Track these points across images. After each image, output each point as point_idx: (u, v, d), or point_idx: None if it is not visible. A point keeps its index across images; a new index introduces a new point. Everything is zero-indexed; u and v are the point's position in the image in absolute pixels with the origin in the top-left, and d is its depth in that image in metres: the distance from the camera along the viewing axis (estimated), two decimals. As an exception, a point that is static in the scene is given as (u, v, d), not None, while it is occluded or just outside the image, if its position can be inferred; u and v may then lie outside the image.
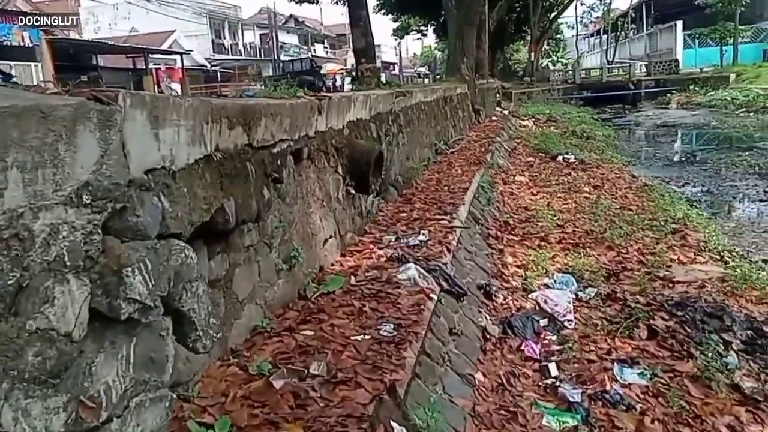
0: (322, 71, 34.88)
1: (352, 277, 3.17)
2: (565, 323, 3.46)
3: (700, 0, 32.87)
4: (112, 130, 1.64)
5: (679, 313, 3.60)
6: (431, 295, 3.04)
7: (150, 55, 27.62)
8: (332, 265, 3.42)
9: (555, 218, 6.14)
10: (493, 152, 9.19)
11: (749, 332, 3.38)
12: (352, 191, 4.05)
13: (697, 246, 5.60)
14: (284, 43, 41.67)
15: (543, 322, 3.46)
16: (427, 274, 3.19)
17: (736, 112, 21.44)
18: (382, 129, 5.36)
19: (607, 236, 5.47)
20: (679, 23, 36.12)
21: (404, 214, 4.87)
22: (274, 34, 36.70)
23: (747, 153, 13.08)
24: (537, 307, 3.57)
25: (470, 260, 4.21)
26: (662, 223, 6.20)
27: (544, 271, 4.48)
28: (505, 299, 3.83)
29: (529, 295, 3.82)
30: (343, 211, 3.86)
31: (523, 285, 4.13)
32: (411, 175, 6.29)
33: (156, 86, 27.09)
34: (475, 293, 3.71)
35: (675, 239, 5.77)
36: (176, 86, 28.82)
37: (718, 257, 5.32)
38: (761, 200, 8.60)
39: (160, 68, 29.02)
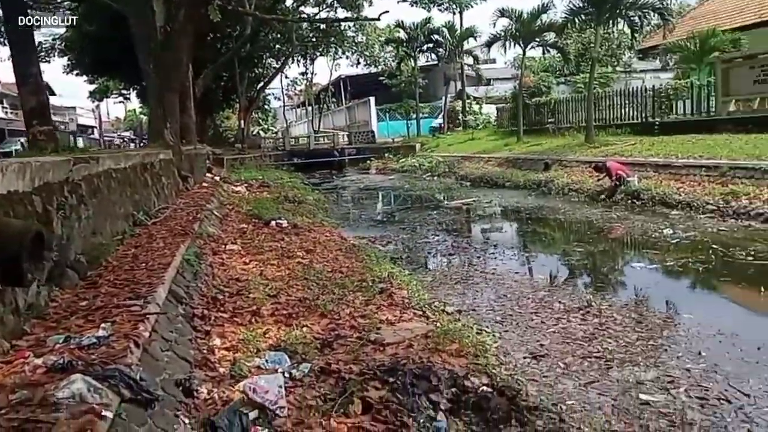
0: None
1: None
2: (278, 411, 3.07)
3: (387, 80, 38.28)
4: None
5: (391, 380, 3.53)
6: (104, 412, 2.34)
7: None
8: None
9: (268, 288, 5.84)
10: (203, 220, 8.59)
11: (453, 389, 3.48)
12: (-1, 285, 3.08)
13: (403, 303, 5.86)
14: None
15: (253, 414, 3.01)
16: (99, 385, 2.47)
17: (424, 176, 24.87)
18: (52, 202, 4.38)
19: (320, 303, 5.36)
20: (372, 99, 41.27)
21: (85, 303, 3.96)
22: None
23: (435, 212, 15.04)
24: (246, 398, 3.11)
25: (168, 351, 3.55)
26: (371, 284, 6.39)
27: (256, 350, 4.07)
28: (210, 393, 3.27)
29: (237, 385, 3.34)
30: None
31: (231, 371, 3.63)
32: (100, 253, 5.32)
33: None
34: (173, 393, 3.08)
35: (383, 298, 5.95)
36: None
37: (421, 313, 5.61)
38: (450, 254, 9.75)
39: None
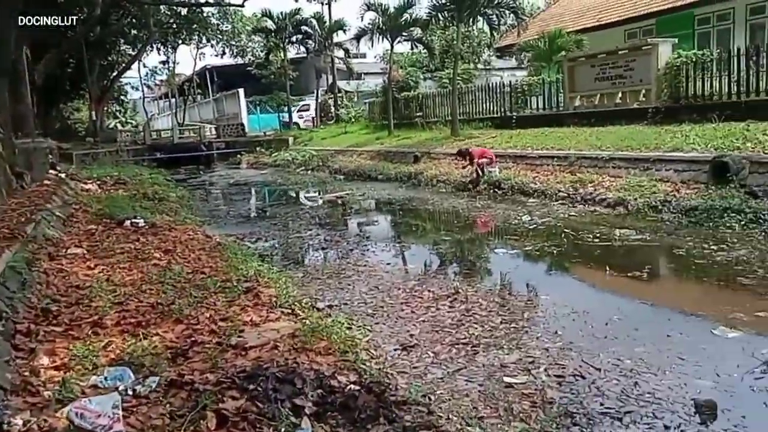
0: None
1: None
2: (114, 439, 2.66)
3: (256, 72, 37.05)
4: None
5: (251, 387, 3.24)
6: None
7: None
8: None
9: (115, 294, 5.23)
10: (39, 221, 7.60)
11: (319, 391, 3.26)
12: None
13: (270, 302, 5.53)
14: None
15: (81, 446, 2.58)
16: None
17: (297, 170, 24.44)
18: None
19: (176, 307, 4.89)
20: (241, 90, 39.79)
21: None
22: None
23: (308, 206, 14.79)
24: (72, 426, 2.66)
25: (-26, 378, 2.97)
26: (235, 284, 5.98)
27: (93, 367, 3.56)
28: (26, 424, 2.76)
29: (62, 411, 2.86)
30: None
31: (59, 395, 3.11)
32: None
33: None
34: (-25, 430, 2.55)
35: (248, 299, 5.59)
36: None
37: (290, 311, 5.33)
38: (323, 248, 9.55)
39: None
